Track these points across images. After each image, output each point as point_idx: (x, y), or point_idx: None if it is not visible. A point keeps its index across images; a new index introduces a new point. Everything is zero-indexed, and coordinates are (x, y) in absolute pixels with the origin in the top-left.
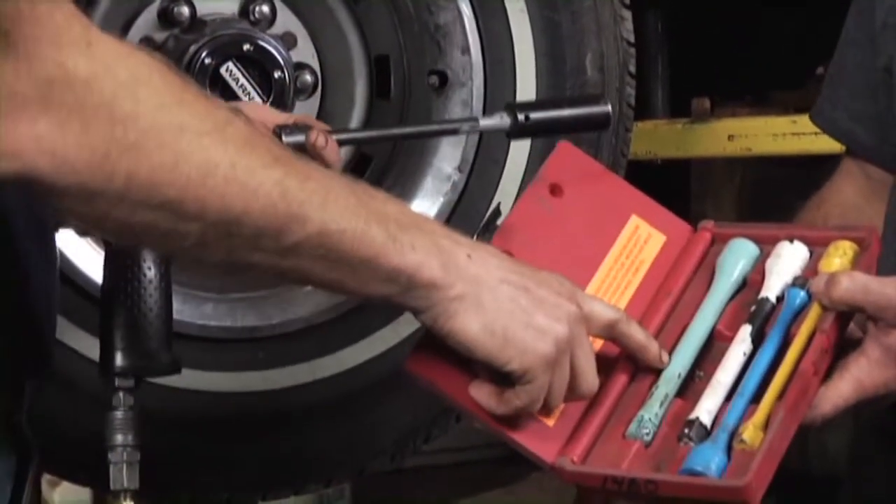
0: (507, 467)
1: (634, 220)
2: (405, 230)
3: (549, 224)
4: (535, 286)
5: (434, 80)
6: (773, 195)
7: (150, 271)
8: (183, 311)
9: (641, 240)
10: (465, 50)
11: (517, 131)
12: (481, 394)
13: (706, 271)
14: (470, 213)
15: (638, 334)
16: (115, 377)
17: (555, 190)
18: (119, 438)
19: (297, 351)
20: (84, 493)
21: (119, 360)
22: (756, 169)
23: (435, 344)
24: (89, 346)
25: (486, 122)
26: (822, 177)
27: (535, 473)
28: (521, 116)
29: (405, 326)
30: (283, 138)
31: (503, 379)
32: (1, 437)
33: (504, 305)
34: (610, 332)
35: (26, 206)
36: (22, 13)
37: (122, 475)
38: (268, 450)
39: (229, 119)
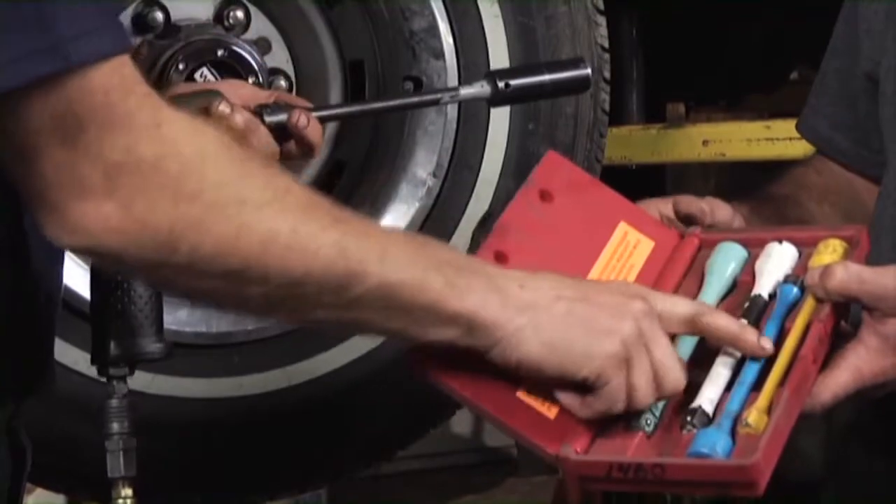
0: (482, 473)
1: (623, 226)
2: (461, 274)
3: (541, 228)
4: (595, 294)
5: (409, 85)
6: None
7: None
8: None
9: (631, 245)
10: (440, 55)
11: (498, 99)
12: (567, 400)
13: (695, 276)
14: (444, 219)
15: (728, 325)
16: (109, 366)
17: (545, 196)
18: (115, 427)
19: (271, 357)
20: (58, 500)
21: (112, 348)
22: (730, 174)
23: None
24: (60, 351)
25: (466, 91)
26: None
27: (509, 479)
28: (501, 84)
29: None
30: (265, 118)
31: (585, 387)
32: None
33: (561, 320)
34: (693, 328)
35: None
36: (96, 103)
37: (120, 463)
38: (242, 455)
39: (288, 187)
